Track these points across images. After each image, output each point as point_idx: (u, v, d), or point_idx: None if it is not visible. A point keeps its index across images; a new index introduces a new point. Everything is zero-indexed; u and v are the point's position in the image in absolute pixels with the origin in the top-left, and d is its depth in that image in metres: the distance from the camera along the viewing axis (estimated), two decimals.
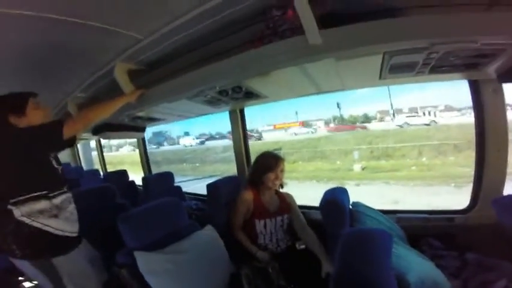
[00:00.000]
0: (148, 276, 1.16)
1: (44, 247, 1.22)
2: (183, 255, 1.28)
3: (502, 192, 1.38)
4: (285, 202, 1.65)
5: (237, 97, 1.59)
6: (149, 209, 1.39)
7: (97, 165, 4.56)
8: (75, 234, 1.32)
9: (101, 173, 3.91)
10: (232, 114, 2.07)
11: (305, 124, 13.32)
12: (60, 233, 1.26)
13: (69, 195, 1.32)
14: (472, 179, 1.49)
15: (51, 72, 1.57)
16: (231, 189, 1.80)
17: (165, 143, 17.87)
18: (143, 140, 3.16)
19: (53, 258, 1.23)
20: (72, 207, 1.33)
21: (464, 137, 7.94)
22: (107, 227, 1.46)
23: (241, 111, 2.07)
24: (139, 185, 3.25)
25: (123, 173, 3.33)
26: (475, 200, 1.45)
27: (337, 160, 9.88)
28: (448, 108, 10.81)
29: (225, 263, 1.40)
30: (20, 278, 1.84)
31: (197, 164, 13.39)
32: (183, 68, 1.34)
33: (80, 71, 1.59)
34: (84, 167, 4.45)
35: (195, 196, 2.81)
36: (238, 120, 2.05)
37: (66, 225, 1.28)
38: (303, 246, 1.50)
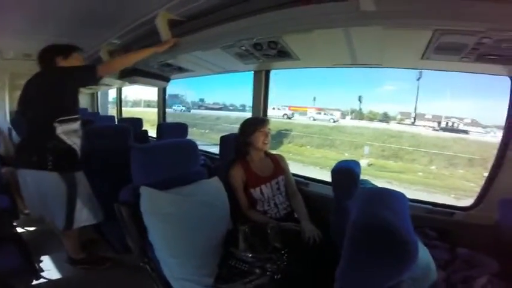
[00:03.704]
0: (147, 215, 1.12)
1: (72, 161, 1.54)
2: (187, 200, 1.23)
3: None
4: (279, 164, 1.60)
5: (269, 54, 1.53)
6: (166, 146, 1.38)
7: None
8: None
9: (116, 120, 3.98)
10: (257, 74, 2.02)
11: (322, 111, 12.98)
12: (79, 152, 1.58)
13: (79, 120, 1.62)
14: (473, 193, 1.52)
15: (92, 19, 1.75)
16: None
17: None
18: (164, 90, 3.20)
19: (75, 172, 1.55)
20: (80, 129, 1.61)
21: (480, 154, 7.68)
22: (117, 164, 1.54)
23: (267, 74, 2.01)
24: (151, 136, 3.32)
25: (137, 121, 3.38)
26: (480, 199, 1.44)
27: (346, 152, 9.78)
28: (474, 123, 10.26)
29: (225, 218, 1.35)
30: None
31: (206, 131, 13.51)
32: (224, 19, 1.36)
33: (120, 19, 1.74)
34: (100, 113, 4.61)
35: (203, 153, 2.84)
36: (262, 80, 2.00)
37: (79, 145, 1.58)
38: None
